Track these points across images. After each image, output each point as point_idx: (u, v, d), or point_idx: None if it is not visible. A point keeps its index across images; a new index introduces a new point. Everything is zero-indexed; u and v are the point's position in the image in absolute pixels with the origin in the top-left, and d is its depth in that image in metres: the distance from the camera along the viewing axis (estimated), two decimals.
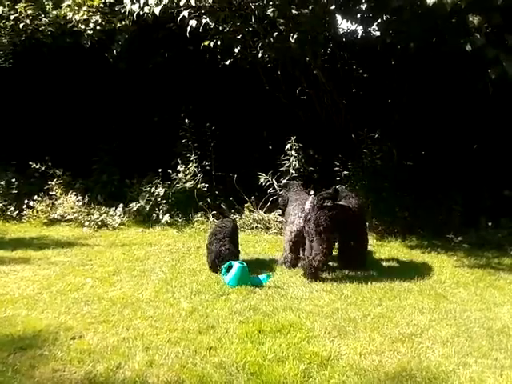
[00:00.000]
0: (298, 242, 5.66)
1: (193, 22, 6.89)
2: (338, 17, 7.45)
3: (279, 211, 7.41)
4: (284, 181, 7.34)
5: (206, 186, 8.15)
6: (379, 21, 7.10)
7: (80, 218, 7.81)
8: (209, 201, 8.01)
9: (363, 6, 6.78)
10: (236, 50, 8.22)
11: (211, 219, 7.65)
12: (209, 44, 7.97)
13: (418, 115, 8.12)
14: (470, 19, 5.52)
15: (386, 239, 7.05)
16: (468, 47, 5.52)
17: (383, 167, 7.71)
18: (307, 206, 5.54)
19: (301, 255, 5.82)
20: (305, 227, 5.40)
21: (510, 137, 7.68)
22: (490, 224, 7.04)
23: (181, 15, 6.92)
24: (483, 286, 5.14)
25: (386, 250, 6.60)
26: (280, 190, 6.51)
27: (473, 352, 3.62)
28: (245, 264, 5.05)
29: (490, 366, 3.42)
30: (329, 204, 5.23)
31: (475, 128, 7.85)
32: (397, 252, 6.49)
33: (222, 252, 5.29)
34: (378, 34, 7.91)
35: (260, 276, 5.06)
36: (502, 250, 6.54)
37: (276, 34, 7.62)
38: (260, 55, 8.15)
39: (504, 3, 5.16)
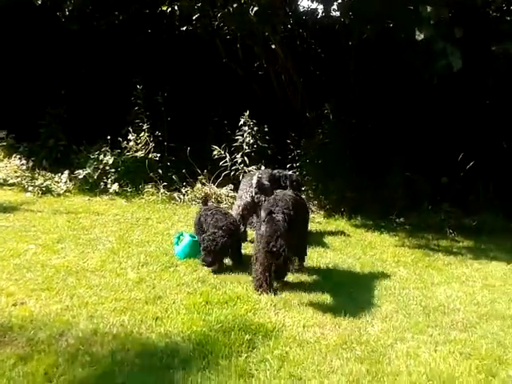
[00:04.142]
0: (245, 216, 5.73)
1: None
2: None
3: (231, 186, 7.43)
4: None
5: (158, 156, 8.03)
6: (339, 1, 7.12)
7: (23, 182, 7.52)
8: (160, 172, 7.87)
9: None
10: (194, 18, 8.05)
11: (162, 190, 7.55)
12: (166, 9, 7.77)
13: (371, 98, 8.26)
14: (423, 9, 5.58)
15: (333, 217, 7.21)
16: (418, 37, 5.59)
17: (334, 147, 7.81)
18: (254, 180, 5.62)
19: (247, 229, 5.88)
20: None
21: (450, 126, 7.98)
22: (430, 208, 7.33)
23: None
24: (422, 266, 5.37)
25: (332, 227, 6.75)
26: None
27: (410, 328, 3.80)
28: (196, 237, 5.04)
29: (426, 341, 3.60)
30: None
31: (420, 116, 8.07)
32: (342, 230, 6.63)
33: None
34: (338, 14, 7.94)
35: None
36: (441, 232, 6.82)
37: (236, 5, 7.50)
38: (219, 25, 8.02)
39: None
